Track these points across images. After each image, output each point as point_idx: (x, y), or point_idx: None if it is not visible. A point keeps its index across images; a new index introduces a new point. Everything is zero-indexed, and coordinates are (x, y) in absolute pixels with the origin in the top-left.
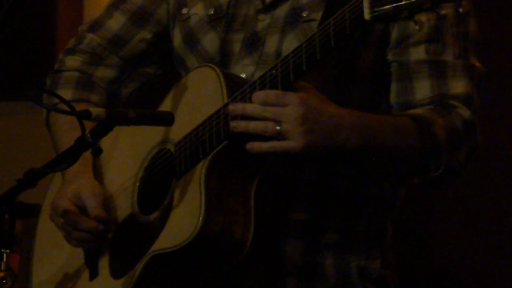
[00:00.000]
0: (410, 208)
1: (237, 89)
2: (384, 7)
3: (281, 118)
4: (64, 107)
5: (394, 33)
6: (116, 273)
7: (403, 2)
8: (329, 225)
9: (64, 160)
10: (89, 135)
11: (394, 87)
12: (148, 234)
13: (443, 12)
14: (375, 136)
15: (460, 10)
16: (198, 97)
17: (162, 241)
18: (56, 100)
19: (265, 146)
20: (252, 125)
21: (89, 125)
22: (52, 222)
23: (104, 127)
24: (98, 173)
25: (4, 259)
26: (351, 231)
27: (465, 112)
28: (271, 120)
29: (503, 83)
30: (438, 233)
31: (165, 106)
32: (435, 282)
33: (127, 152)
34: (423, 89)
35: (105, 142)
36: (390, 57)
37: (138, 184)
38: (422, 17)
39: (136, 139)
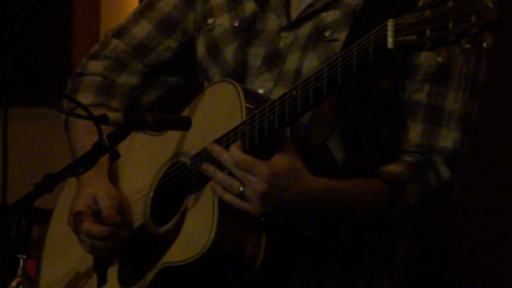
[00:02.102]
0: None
1: (256, 106)
2: (408, 37)
3: (246, 184)
4: (82, 111)
5: (409, 61)
6: (124, 282)
7: (427, 34)
8: (339, 241)
9: (81, 164)
10: (106, 140)
11: (389, 120)
12: (160, 245)
13: (467, 45)
14: (343, 208)
15: (484, 44)
16: (216, 112)
17: (173, 254)
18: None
19: (226, 196)
20: (219, 177)
21: (107, 130)
22: (67, 226)
23: (121, 132)
24: (112, 179)
25: (21, 265)
26: (360, 247)
27: (445, 172)
28: (236, 180)
29: (503, 83)
30: (455, 251)
31: None
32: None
33: (142, 160)
34: (413, 133)
35: (121, 148)
36: (400, 88)
37: (151, 194)
38: (445, 50)
39: (152, 148)
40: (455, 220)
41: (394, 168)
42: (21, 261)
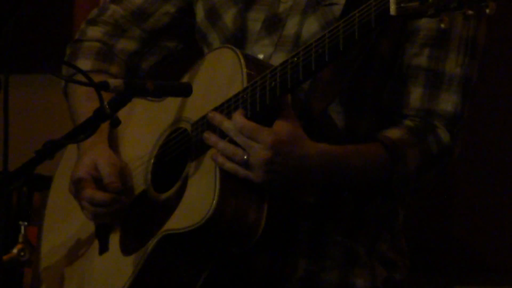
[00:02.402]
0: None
1: (257, 72)
2: (411, 3)
3: (249, 151)
4: (82, 77)
5: (409, 25)
6: (126, 249)
7: (430, 0)
8: (340, 207)
9: (82, 131)
10: (107, 106)
11: (390, 84)
12: (161, 212)
13: (469, 12)
14: (343, 174)
15: (487, 11)
16: (217, 78)
17: (175, 221)
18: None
19: (229, 165)
20: (222, 145)
21: (106, 96)
22: (68, 193)
23: (122, 98)
24: (113, 145)
25: (22, 231)
26: (361, 213)
27: (444, 136)
28: (240, 148)
29: (503, 83)
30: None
31: None
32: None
33: (142, 127)
34: (413, 97)
35: (121, 115)
36: (400, 51)
37: (152, 161)
38: (448, 16)
39: (152, 114)
40: (455, 186)
41: (394, 132)
42: (22, 228)
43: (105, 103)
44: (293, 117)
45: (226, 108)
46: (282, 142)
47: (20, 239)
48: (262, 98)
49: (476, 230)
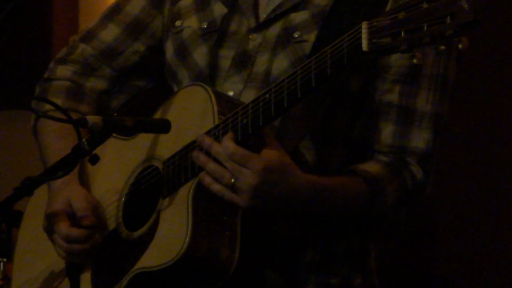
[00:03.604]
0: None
1: (228, 109)
2: (383, 40)
3: (237, 176)
4: (56, 114)
5: (380, 61)
6: None
7: (402, 36)
8: (311, 245)
9: (60, 168)
10: (86, 143)
11: (361, 120)
12: (133, 251)
13: (442, 47)
14: (328, 205)
15: (460, 46)
16: (188, 116)
17: (147, 259)
18: (47, 107)
19: (216, 187)
20: (211, 166)
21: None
22: (38, 231)
23: (100, 135)
24: (83, 183)
25: (1, 268)
26: (332, 252)
27: (418, 173)
28: (228, 172)
29: (503, 83)
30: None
31: None
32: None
33: (113, 165)
34: (385, 133)
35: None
36: (371, 88)
37: (123, 199)
38: (420, 52)
39: (123, 153)
40: (436, 224)
41: (372, 167)
42: (1, 264)
43: (84, 140)
44: (279, 146)
45: (198, 146)
46: (272, 170)
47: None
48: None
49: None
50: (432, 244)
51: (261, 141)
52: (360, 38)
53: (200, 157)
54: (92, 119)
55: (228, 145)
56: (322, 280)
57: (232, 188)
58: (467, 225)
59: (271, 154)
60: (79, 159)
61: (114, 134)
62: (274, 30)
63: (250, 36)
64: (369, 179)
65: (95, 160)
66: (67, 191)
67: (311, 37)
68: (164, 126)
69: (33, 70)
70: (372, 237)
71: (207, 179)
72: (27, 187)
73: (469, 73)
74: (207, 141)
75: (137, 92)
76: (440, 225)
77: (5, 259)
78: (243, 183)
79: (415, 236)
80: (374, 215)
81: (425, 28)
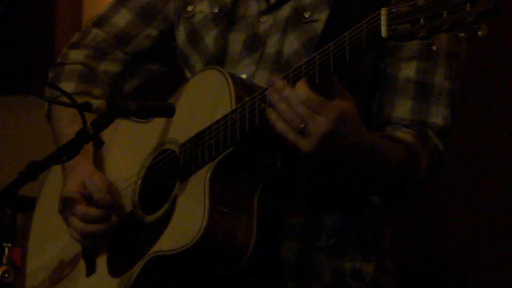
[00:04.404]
0: (414, 210)
1: (244, 93)
2: (402, 26)
3: (308, 121)
4: (65, 99)
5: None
6: (114, 271)
7: (421, 22)
8: (325, 229)
9: (65, 152)
10: (90, 127)
11: (378, 97)
12: (149, 234)
13: (461, 34)
14: (376, 167)
15: (479, 33)
16: (204, 100)
17: (163, 243)
18: (58, 93)
19: (280, 125)
20: (283, 106)
21: (91, 117)
22: (53, 214)
23: (105, 119)
24: (98, 166)
25: (6, 253)
26: (346, 235)
27: (440, 145)
28: (299, 116)
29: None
30: (442, 236)
31: None
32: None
33: (127, 148)
34: (404, 108)
35: (105, 136)
36: (382, 65)
37: (139, 182)
38: (440, 38)
39: (137, 136)
40: (444, 208)
41: (405, 135)
42: (6, 249)
43: (88, 124)
44: (350, 96)
45: (215, 130)
46: (345, 121)
47: (5, 261)
48: (251, 120)
49: (465, 251)
50: (439, 228)
51: (331, 91)
52: (379, 24)
53: (274, 96)
54: (96, 103)
55: (304, 89)
56: (336, 264)
57: (300, 132)
58: (471, 220)
59: (345, 105)
60: (84, 143)
61: (133, 118)
62: (285, 11)
63: (260, 19)
64: (407, 146)
65: (99, 144)
66: (81, 173)
67: (322, 16)
68: (168, 110)
69: (35, 56)
70: (385, 223)
71: (274, 116)
72: (32, 172)
73: (469, 73)
74: (281, 83)
75: (150, 75)
76: (445, 210)
77: (10, 244)
78: (313, 129)
79: (421, 221)
80: (409, 181)
81: (444, 15)
